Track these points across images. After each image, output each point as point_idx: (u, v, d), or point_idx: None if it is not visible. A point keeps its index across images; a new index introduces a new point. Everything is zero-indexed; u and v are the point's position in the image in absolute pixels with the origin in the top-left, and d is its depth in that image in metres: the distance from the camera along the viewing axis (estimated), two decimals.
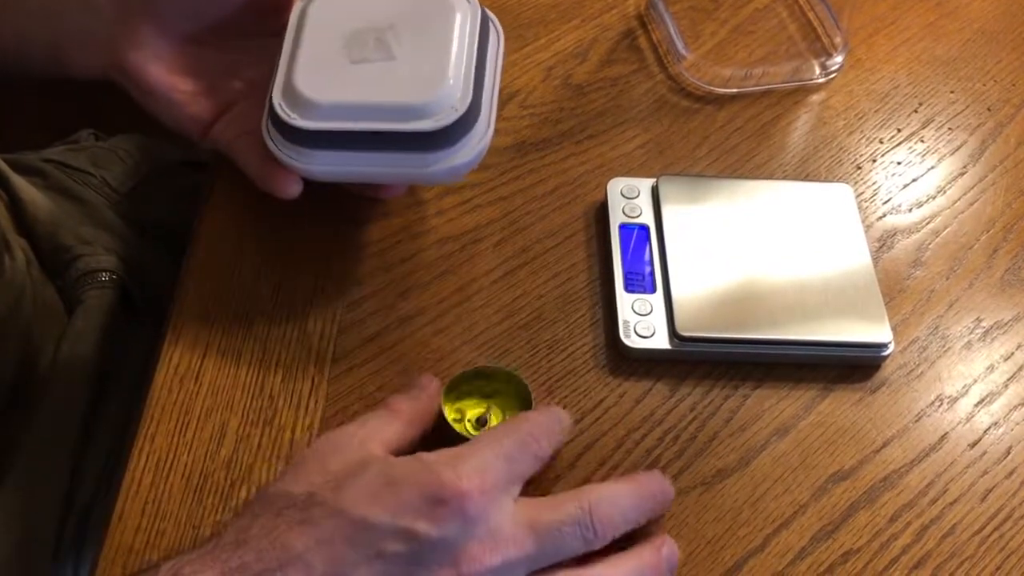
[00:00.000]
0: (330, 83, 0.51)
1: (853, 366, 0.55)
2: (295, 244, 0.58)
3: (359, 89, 0.51)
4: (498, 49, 0.55)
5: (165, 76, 0.54)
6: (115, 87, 0.55)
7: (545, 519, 0.43)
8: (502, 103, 0.63)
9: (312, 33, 0.53)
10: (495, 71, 0.54)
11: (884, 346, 0.55)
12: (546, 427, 0.47)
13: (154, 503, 0.48)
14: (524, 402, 0.51)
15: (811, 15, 0.73)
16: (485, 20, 0.55)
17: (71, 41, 0.55)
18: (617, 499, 0.45)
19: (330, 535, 0.40)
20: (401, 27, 0.53)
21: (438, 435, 0.50)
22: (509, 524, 0.42)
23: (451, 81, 0.51)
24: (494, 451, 0.44)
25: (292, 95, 0.51)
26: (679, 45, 0.69)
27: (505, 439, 0.45)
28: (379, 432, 0.46)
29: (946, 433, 0.53)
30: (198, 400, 0.51)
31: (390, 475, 0.42)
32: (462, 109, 0.50)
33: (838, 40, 0.70)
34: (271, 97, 0.52)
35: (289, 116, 0.51)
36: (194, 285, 0.56)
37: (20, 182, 0.69)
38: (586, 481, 0.50)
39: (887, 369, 0.55)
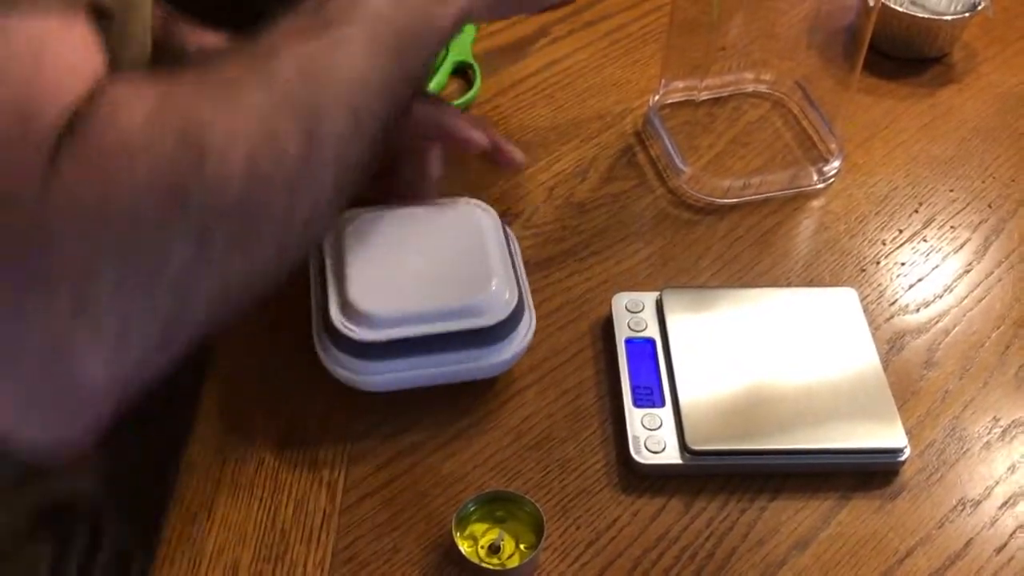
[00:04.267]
0: (385, 295, 0.54)
1: (870, 472, 0.54)
2: (304, 376, 0.58)
3: (415, 297, 0.54)
4: (517, 250, 0.60)
5: None
6: None
7: None
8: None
9: (354, 253, 0.56)
10: (522, 269, 0.59)
11: (900, 451, 0.54)
12: None
13: None
14: (536, 524, 0.50)
15: (805, 123, 0.74)
16: (503, 225, 0.60)
17: None
18: None
19: None
20: (437, 238, 0.57)
21: (450, 560, 0.50)
22: None
23: (499, 279, 0.55)
24: None
25: (351, 311, 0.53)
26: (677, 160, 0.70)
27: None
28: None
29: (971, 539, 0.52)
30: (210, 537, 0.51)
31: None
32: (512, 303, 0.54)
33: (833, 146, 0.72)
34: (329, 317, 0.53)
35: (352, 331, 0.52)
36: (206, 422, 0.56)
37: None
38: None
39: (905, 474, 0.54)
